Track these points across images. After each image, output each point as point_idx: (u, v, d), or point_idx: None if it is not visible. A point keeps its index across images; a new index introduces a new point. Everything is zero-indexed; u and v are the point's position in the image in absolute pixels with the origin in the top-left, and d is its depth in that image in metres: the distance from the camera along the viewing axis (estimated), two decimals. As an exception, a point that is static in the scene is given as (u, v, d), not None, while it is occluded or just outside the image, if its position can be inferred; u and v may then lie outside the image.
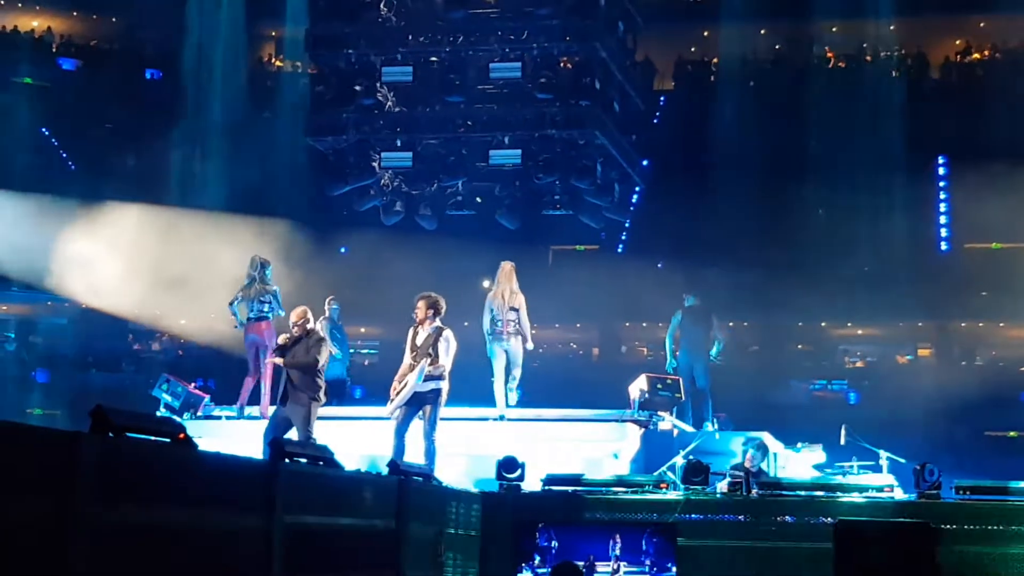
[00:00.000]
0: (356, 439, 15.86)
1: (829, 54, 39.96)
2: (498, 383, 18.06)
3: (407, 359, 15.19)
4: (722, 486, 14.33)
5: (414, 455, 14.63)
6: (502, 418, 17.88)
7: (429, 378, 14.93)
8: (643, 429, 17.64)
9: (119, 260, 25.24)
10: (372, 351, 36.08)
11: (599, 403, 18.98)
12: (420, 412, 15.05)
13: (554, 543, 13.29)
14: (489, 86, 28.30)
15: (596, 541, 13.33)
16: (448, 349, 15.16)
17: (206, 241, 25.97)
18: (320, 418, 15.37)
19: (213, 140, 36.09)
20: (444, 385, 15.10)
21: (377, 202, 28.93)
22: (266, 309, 18.05)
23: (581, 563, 12.70)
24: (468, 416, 17.69)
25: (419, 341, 15.18)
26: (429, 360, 14.92)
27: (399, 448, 14.87)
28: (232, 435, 16.82)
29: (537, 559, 13.29)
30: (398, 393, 15.00)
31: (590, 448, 17.10)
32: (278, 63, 43.79)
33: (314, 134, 29.64)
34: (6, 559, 5.41)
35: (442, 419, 15.29)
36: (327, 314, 20.31)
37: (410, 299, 15.50)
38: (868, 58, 38.96)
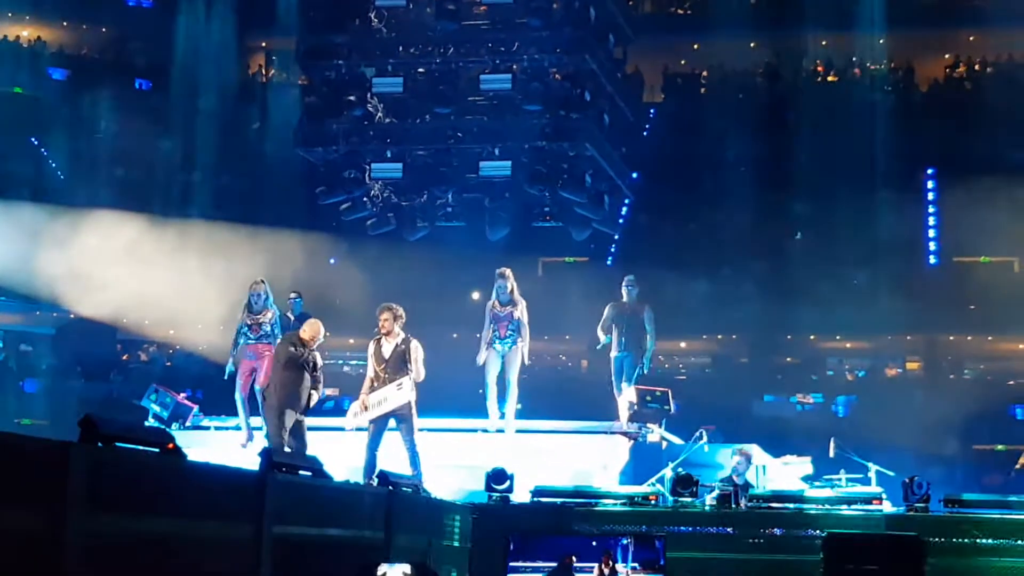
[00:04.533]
0: (342, 450, 15.81)
1: (819, 67, 40.07)
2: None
3: (372, 371, 15.19)
4: (711, 498, 14.33)
5: (397, 465, 14.59)
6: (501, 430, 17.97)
7: (401, 388, 14.94)
8: (632, 441, 17.67)
9: (108, 269, 25.21)
10: (361, 362, 36.01)
11: (588, 415, 18.98)
12: (391, 425, 15.03)
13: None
14: (479, 97, 28.32)
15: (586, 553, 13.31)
16: (420, 358, 15.18)
17: (195, 251, 25.96)
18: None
19: (203, 150, 36.08)
20: (413, 395, 15.10)
21: (367, 213, 28.93)
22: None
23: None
24: (457, 427, 17.69)
25: (386, 353, 15.15)
26: (409, 375, 14.95)
27: (371, 463, 14.81)
28: (221, 446, 16.80)
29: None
30: (374, 407, 14.97)
31: (579, 460, 17.09)
32: (269, 74, 43.80)
33: (304, 145, 29.65)
34: (-4, 569, 5.41)
35: (430, 430, 15.31)
36: (290, 310, 19.39)
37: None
38: (857, 71, 39.08)
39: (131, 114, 36.99)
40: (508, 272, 17.64)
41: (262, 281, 17.76)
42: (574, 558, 13.09)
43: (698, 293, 31.51)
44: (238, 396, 17.47)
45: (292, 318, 18.97)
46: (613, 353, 19.66)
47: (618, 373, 19.51)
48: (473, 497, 14.95)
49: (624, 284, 19.91)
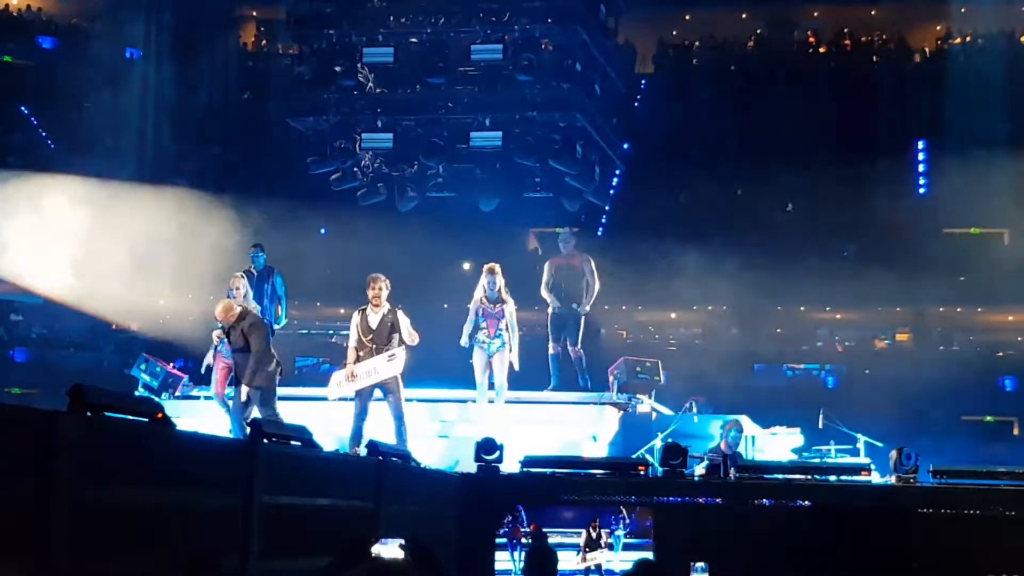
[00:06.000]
0: (328, 420, 15.79)
1: (810, 38, 40.01)
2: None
3: (362, 341, 15.15)
4: (700, 469, 14.37)
5: (383, 435, 14.60)
6: None
7: (393, 359, 14.96)
8: (622, 412, 17.69)
9: (98, 238, 25.16)
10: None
11: (578, 386, 18.98)
12: (377, 395, 15.05)
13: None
14: (470, 68, 28.19)
15: (574, 523, 13.37)
16: (408, 325, 15.21)
17: (186, 220, 25.92)
18: (293, 398, 15.35)
19: (194, 120, 35.98)
20: (402, 365, 15.12)
21: (357, 183, 28.86)
22: None
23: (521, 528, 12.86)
24: (447, 398, 17.68)
25: (374, 324, 15.14)
26: (402, 344, 14.98)
27: (357, 432, 14.83)
28: (211, 415, 16.79)
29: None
30: (363, 377, 14.98)
31: (569, 430, 17.12)
32: (260, 43, 43.66)
33: (295, 115, 29.55)
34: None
35: (420, 400, 15.32)
36: (252, 265, 18.08)
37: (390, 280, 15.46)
38: (848, 43, 39.04)
39: (121, 83, 36.84)
40: (497, 268, 16.85)
41: (242, 275, 17.08)
42: (536, 526, 13.13)
43: (688, 264, 31.45)
44: (213, 391, 16.66)
45: (255, 273, 17.93)
46: (550, 310, 19.10)
47: (556, 329, 19.05)
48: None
49: (559, 239, 19.58)
